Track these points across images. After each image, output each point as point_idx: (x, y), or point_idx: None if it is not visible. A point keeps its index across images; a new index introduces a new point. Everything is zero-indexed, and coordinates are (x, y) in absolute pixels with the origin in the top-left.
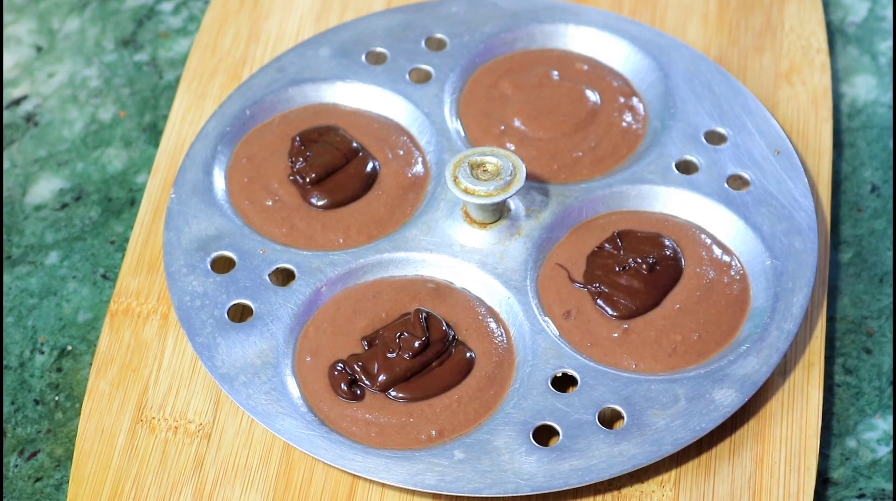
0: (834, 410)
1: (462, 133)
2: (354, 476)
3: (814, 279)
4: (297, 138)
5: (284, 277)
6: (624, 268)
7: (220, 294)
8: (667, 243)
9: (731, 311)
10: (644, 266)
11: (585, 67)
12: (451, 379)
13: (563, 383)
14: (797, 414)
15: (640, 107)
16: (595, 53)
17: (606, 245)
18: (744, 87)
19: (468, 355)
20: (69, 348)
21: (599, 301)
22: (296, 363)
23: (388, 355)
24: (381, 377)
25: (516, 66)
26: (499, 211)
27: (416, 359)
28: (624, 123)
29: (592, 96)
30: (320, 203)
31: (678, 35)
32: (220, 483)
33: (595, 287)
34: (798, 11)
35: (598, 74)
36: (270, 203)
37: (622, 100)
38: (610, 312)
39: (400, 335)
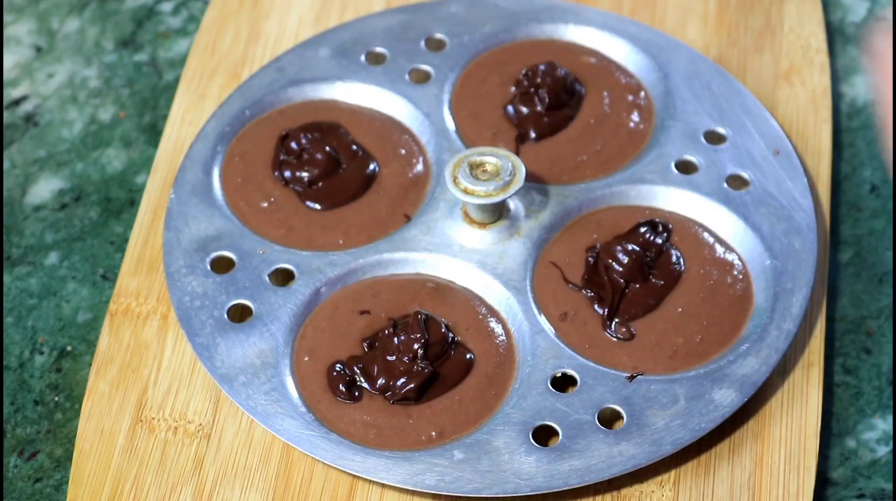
0: (833, 410)
1: (454, 129)
2: (354, 476)
3: (813, 279)
4: (283, 149)
5: (284, 277)
6: (624, 282)
7: (219, 295)
8: (658, 241)
9: (734, 312)
10: (641, 278)
11: (592, 60)
12: (451, 380)
13: (563, 383)
14: (797, 414)
15: (647, 104)
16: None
17: (610, 261)
18: (743, 87)
19: (468, 356)
20: (69, 348)
21: (597, 307)
22: (294, 364)
23: (388, 358)
24: (381, 381)
25: (518, 56)
26: (498, 211)
27: (415, 377)
28: (631, 124)
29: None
30: (318, 206)
31: (678, 35)
32: (220, 484)
33: (593, 293)
34: (797, 11)
35: (606, 69)
36: (266, 205)
37: (630, 98)
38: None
39: (399, 338)
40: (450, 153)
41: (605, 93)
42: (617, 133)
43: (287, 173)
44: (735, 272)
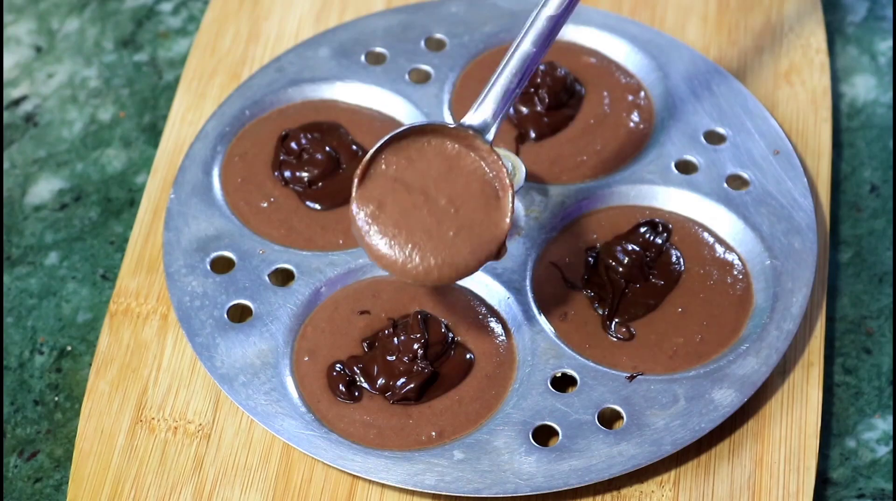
0: (833, 410)
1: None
2: (354, 476)
3: (813, 279)
4: (283, 149)
5: (284, 277)
6: (624, 282)
7: (219, 295)
8: (658, 241)
9: (734, 312)
10: (641, 278)
11: (592, 60)
12: (451, 380)
13: (563, 383)
14: (796, 414)
15: (647, 104)
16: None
17: (610, 261)
18: (743, 87)
19: (468, 356)
20: (69, 348)
21: (597, 307)
22: (294, 364)
23: (388, 358)
24: (381, 381)
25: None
26: None
27: (415, 377)
28: (631, 124)
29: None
30: (318, 206)
31: (678, 35)
32: (220, 484)
33: (593, 293)
34: (797, 11)
35: (606, 69)
36: (265, 205)
37: (630, 98)
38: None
39: (399, 338)
40: None
41: (605, 93)
42: (617, 133)
43: (287, 173)
44: (735, 272)
